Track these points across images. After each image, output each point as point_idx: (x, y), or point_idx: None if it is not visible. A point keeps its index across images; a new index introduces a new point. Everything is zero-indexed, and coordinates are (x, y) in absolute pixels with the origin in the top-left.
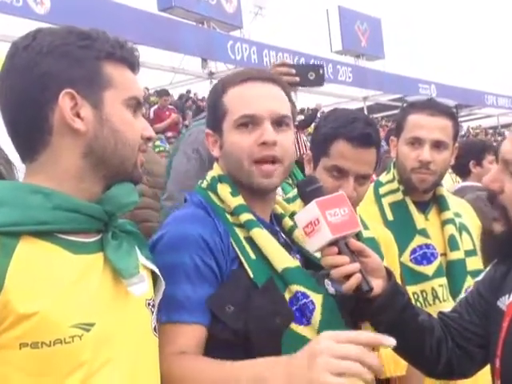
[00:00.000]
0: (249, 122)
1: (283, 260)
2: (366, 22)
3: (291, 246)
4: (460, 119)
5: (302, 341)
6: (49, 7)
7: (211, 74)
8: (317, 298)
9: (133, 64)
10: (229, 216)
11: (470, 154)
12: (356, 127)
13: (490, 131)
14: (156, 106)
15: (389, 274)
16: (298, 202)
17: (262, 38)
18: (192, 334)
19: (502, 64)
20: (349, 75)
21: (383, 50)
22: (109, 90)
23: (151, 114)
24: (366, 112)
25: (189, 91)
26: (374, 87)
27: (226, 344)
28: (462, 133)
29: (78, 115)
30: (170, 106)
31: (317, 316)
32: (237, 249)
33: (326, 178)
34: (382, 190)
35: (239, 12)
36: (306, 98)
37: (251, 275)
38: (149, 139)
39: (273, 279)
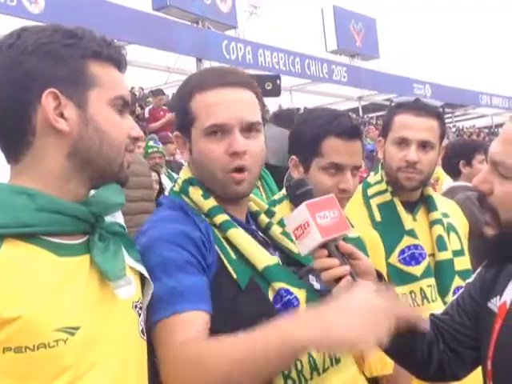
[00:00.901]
0: (218, 131)
1: (263, 258)
2: (360, 22)
3: (269, 243)
4: (454, 119)
5: None
6: (43, 7)
7: None
8: (300, 294)
9: (120, 63)
10: (205, 218)
11: (460, 154)
12: (342, 121)
13: (485, 131)
14: (151, 106)
15: (379, 276)
16: (284, 203)
17: (257, 37)
18: (201, 320)
19: (496, 64)
20: (343, 75)
21: (378, 50)
22: (94, 90)
23: (146, 114)
24: (360, 111)
25: None
26: (368, 87)
27: None
28: (456, 133)
29: (61, 115)
30: (163, 107)
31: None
32: (218, 249)
33: (324, 177)
34: (370, 191)
35: (234, 11)
36: (300, 98)
37: (234, 276)
38: (136, 139)
39: (254, 279)
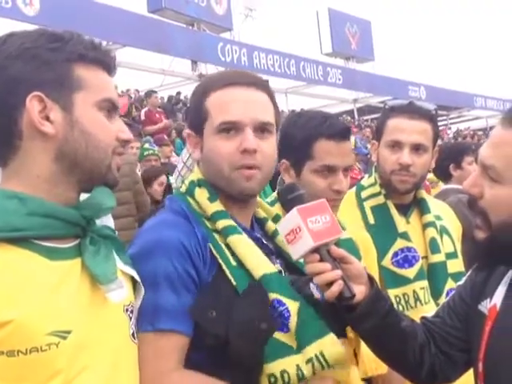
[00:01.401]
0: (230, 128)
1: (261, 267)
2: (356, 25)
3: (273, 251)
4: (449, 121)
5: (282, 347)
6: (38, 9)
7: (201, 76)
8: (292, 306)
9: (108, 66)
10: (207, 222)
11: (449, 158)
12: (333, 123)
13: (480, 133)
14: (146, 108)
15: (371, 279)
16: (276, 207)
17: (252, 40)
18: (180, 344)
19: (490, 66)
20: (339, 77)
21: (373, 52)
22: (80, 93)
23: (142, 116)
24: (356, 114)
25: (179, 93)
26: (363, 89)
27: (201, 351)
28: (454, 135)
29: (47, 118)
30: (158, 109)
31: (293, 323)
32: (217, 255)
33: (317, 180)
34: (363, 194)
35: (229, 14)
36: (296, 100)
37: (234, 282)
38: (126, 142)
39: (260, 283)
